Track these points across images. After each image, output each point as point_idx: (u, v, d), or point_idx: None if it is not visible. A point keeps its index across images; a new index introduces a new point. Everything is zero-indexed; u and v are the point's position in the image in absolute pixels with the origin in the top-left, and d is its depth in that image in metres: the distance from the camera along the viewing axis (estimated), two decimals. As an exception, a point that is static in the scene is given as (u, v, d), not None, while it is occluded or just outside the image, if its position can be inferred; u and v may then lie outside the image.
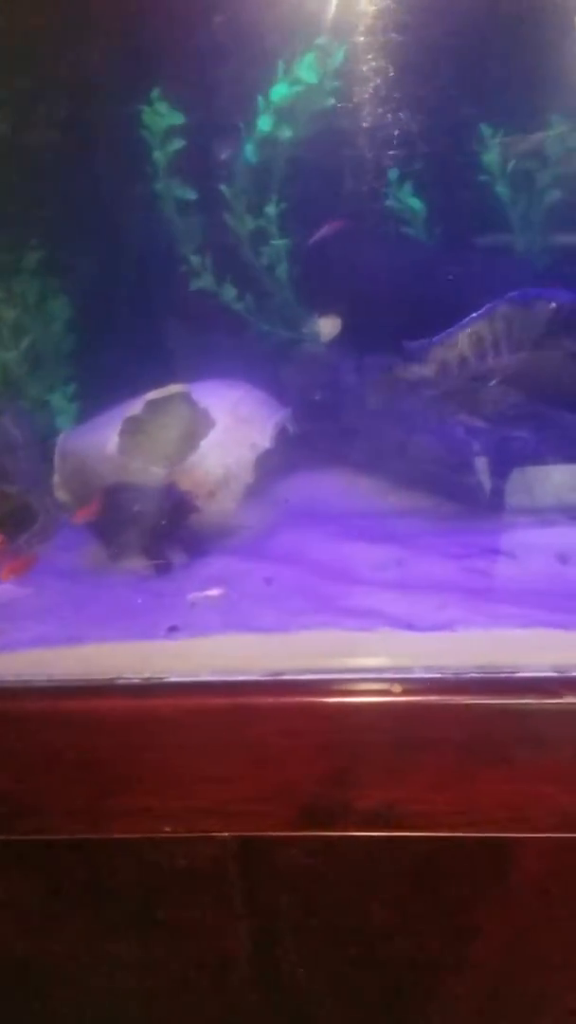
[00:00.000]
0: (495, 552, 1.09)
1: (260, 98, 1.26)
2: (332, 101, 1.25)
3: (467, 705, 0.88)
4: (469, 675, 0.89)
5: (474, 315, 1.22)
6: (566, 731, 0.88)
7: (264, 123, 1.26)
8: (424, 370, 1.24)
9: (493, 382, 1.23)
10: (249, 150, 1.28)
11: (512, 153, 1.25)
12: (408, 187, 1.25)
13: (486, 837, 0.94)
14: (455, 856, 0.97)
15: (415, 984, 1.05)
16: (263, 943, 1.04)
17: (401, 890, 1.00)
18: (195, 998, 1.07)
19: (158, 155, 1.28)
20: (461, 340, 1.22)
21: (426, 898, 1.00)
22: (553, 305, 1.21)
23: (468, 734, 0.89)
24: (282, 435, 1.25)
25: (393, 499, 1.25)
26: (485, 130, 1.19)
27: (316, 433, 1.29)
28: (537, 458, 1.20)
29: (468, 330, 1.22)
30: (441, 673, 0.89)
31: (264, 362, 1.32)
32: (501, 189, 1.20)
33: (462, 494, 1.20)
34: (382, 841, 0.95)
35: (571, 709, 0.87)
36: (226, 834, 0.96)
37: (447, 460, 1.20)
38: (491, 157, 1.19)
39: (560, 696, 0.87)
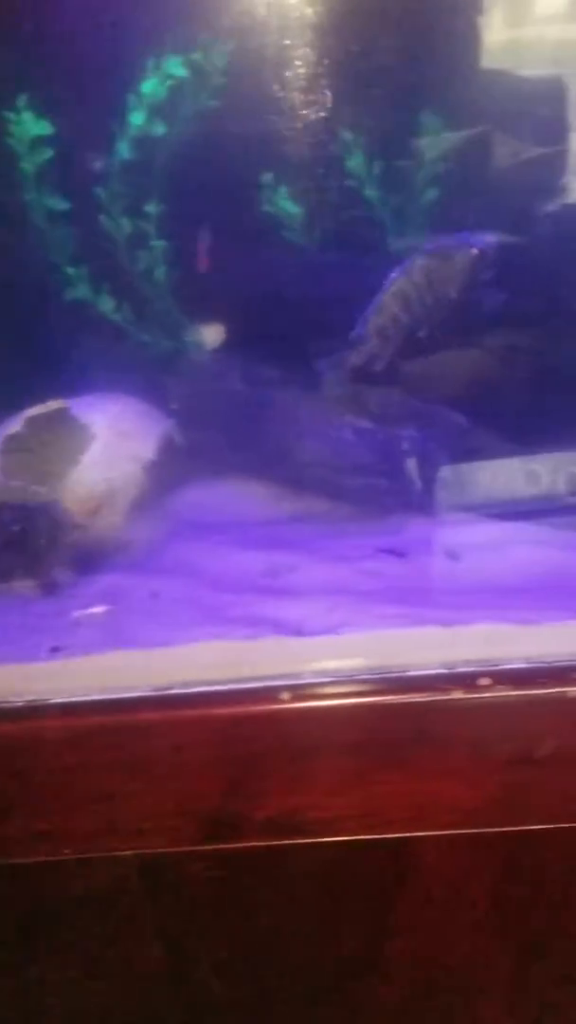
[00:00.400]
0: (387, 553, 1.12)
1: (131, 94, 1.27)
2: (211, 102, 1.26)
3: (358, 707, 0.90)
4: (359, 677, 0.91)
5: (393, 275, 1.24)
6: (457, 727, 0.91)
7: (136, 118, 1.27)
8: (369, 346, 1.26)
9: (423, 332, 1.26)
10: (123, 147, 1.29)
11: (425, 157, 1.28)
12: (284, 191, 1.28)
13: (389, 838, 0.97)
14: (361, 859, 0.99)
15: (333, 990, 1.07)
16: (177, 960, 1.05)
17: (310, 898, 1.02)
18: (114, 1020, 1.07)
19: (26, 165, 1.28)
20: (387, 303, 1.25)
21: (337, 903, 1.03)
22: (474, 251, 1.24)
23: (361, 736, 0.91)
24: (167, 446, 1.26)
25: (288, 505, 1.27)
26: (347, 135, 1.22)
27: (206, 443, 1.31)
28: (427, 457, 1.23)
29: (392, 290, 1.24)
30: (331, 677, 0.91)
31: (147, 373, 1.33)
32: (369, 192, 1.23)
33: (355, 496, 1.23)
34: (286, 849, 0.97)
35: (460, 705, 0.90)
36: (128, 853, 0.96)
37: (338, 463, 1.23)
38: (355, 162, 1.22)
39: (448, 692, 0.90)
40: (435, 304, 1.25)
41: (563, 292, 1.30)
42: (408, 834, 0.97)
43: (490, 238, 1.25)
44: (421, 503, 1.21)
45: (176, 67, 1.25)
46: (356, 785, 0.93)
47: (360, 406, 1.27)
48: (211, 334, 1.34)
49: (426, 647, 0.93)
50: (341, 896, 1.02)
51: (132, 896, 1.00)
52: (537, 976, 1.08)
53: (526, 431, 1.26)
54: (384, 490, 1.21)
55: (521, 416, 1.30)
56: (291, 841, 0.96)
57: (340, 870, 1.00)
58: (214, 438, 1.30)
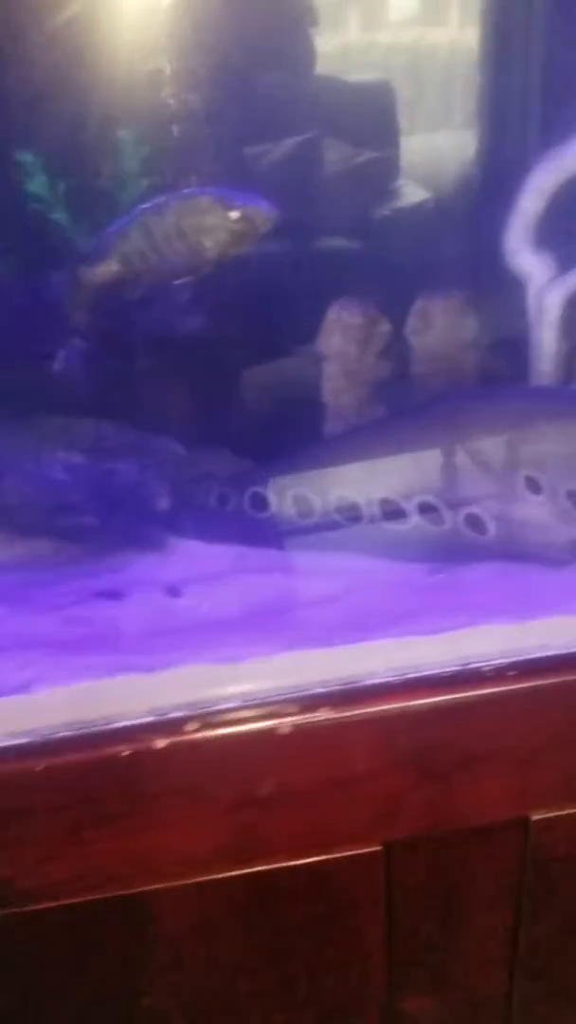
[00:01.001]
0: (102, 596, 1.13)
1: None
2: None
3: (56, 767, 0.90)
4: (57, 735, 0.92)
5: (144, 206, 1.20)
6: (168, 776, 0.93)
7: None
8: (111, 266, 1.21)
9: (182, 280, 1.22)
10: None
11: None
12: (-31, 216, 1.26)
13: (118, 896, 0.98)
14: (95, 922, 1.00)
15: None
16: None
17: (46, 967, 1.02)
18: None
19: None
20: (132, 232, 1.20)
21: (77, 970, 1.03)
22: (235, 215, 1.18)
23: (65, 798, 0.91)
24: None
25: (4, 552, 1.25)
26: (24, 157, 1.21)
27: None
28: (145, 490, 1.25)
29: (137, 221, 1.19)
30: (26, 738, 0.91)
31: None
32: (58, 215, 1.23)
33: (72, 536, 1.23)
34: (8, 920, 0.97)
35: (168, 753, 0.91)
36: None
37: (51, 503, 1.23)
38: (38, 184, 1.22)
39: (152, 742, 0.91)
40: (189, 255, 1.20)
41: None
42: (139, 889, 0.98)
43: (263, 204, 1.19)
44: (143, 538, 1.23)
45: None
46: (70, 847, 0.94)
47: (71, 439, 1.27)
48: None
49: (128, 696, 0.94)
50: (83, 962, 1.03)
51: None
52: (297, 1011, 1.12)
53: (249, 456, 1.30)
54: (101, 528, 1.22)
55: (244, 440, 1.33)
56: (9, 911, 0.96)
57: (76, 936, 1.00)
58: None
